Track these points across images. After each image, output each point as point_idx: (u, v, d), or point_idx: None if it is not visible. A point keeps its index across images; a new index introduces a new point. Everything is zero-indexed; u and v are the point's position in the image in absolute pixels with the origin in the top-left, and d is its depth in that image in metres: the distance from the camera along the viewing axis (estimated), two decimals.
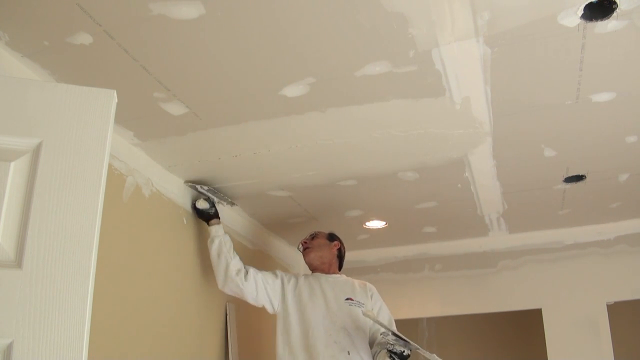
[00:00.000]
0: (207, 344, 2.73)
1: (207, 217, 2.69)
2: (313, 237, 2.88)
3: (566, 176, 2.73)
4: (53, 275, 1.14)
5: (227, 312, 2.89)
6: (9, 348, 1.08)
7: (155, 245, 2.41)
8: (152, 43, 1.64)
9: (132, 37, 1.61)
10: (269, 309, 2.66)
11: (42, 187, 1.18)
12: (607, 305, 3.47)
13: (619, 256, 3.51)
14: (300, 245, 2.90)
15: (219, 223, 2.67)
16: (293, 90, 1.92)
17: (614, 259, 3.52)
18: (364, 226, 3.45)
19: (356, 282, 2.79)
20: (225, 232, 2.67)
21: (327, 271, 2.78)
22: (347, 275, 2.83)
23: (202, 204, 2.66)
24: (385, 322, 2.62)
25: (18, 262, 1.13)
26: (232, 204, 2.90)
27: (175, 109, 2.01)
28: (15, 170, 1.19)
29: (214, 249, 2.60)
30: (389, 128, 2.21)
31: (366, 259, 4.06)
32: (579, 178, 2.76)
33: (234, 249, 2.64)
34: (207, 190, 2.69)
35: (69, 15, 1.51)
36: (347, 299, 2.63)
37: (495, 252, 3.78)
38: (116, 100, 1.30)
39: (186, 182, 2.63)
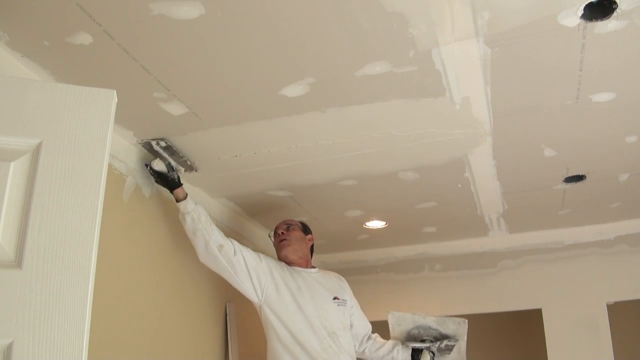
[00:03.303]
0: (207, 344, 2.73)
1: (168, 183, 2.26)
2: (288, 227, 2.64)
3: (566, 176, 2.73)
4: (53, 275, 1.14)
5: (227, 312, 2.89)
6: (9, 348, 1.08)
7: (155, 245, 2.41)
8: (152, 43, 1.64)
9: (132, 37, 1.61)
10: (253, 298, 2.38)
11: (42, 187, 1.18)
12: (607, 305, 3.47)
13: (619, 256, 3.51)
14: (274, 235, 2.66)
15: (184, 193, 2.28)
16: (293, 90, 1.92)
17: (614, 259, 3.52)
18: (364, 226, 3.45)
19: (332, 276, 2.66)
20: (196, 202, 2.31)
21: (305, 266, 2.59)
22: (323, 272, 2.68)
23: (159, 165, 2.22)
24: (363, 322, 2.62)
25: (18, 262, 1.13)
26: (192, 169, 2.43)
27: (175, 109, 2.01)
28: (15, 170, 1.19)
29: (187, 227, 2.29)
30: (389, 128, 2.21)
31: (366, 259, 4.06)
32: (579, 178, 2.76)
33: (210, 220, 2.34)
34: (164, 149, 2.23)
35: (69, 15, 1.51)
36: (334, 298, 2.49)
37: (495, 252, 3.78)
38: (116, 100, 1.30)
39: (139, 140, 2.20)
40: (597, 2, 1.51)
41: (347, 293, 2.59)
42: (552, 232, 3.63)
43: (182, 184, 2.29)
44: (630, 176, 2.75)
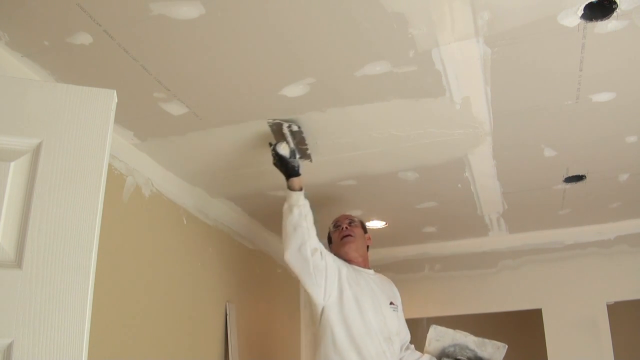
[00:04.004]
0: (207, 344, 2.73)
1: (287, 170, 2.15)
2: (350, 222, 2.49)
3: (566, 176, 2.73)
4: (53, 275, 1.14)
5: (227, 312, 2.89)
6: (9, 348, 1.08)
7: (155, 245, 2.41)
8: (152, 43, 1.64)
9: (132, 37, 1.61)
10: (318, 300, 2.23)
11: (42, 187, 1.18)
12: (607, 305, 3.47)
13: (619, 256, 3.51)
14: (335, 228, 2.50)
15: (300, 184, 2.16)
16: (293, 90, 1.92)
17: (614, 259, 3.52)
18: None
19: (385, 279, 2.55)
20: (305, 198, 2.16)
21: (364, 266, 2.45)
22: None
23: (284, 149, 2.10)
24: (406, 330, 2.51)
25: (18, 262, 1.13)
26: (309, 158, 2.34)
27: (175, 109, 2.01)
28: (15, 170, 1.18)
29: (290, 219, 2.13)
30: (389, 128, 2.21)
31: None
32: (579, 178, 2.76)
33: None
34: (292, 133, 2.11)
35: (69, 15, 1.51)
36: (390, 303, 2.38)
37: (495, 252, 3.78)
38: (116, 100, 1.30)
39: (269, 120, 2.09)
40: (597, 2, 1.51)
41: (398, 298, 2.50)
42: (552, 232, 3.63)
43: (300, 174, 2.18)
44: (630, 176, 2.75)
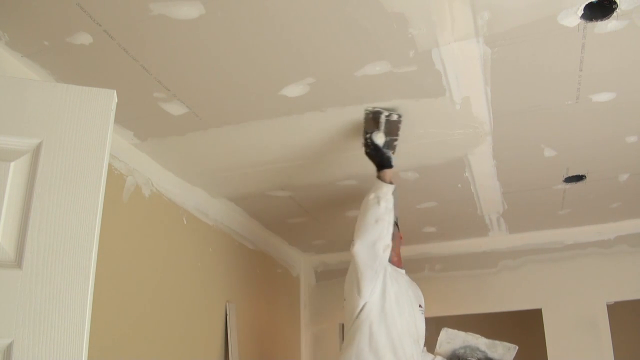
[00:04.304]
0: (207, 344, 2.73)
1: (381, 160, 2.08)
2: None
3: (566, 176, 2.73)
4: (53, 275, 1.14)
5: (227, 312, 2.89)
6: (9, 348, 1.08)
7: (155, 245, 2.41)
8: (152, 43, 1.64)
9: (132, 37, 1.61)
10: (365, 294, 2.11)
11: (42, 187, 1.18)
12: (607, 305, 3.47)
13: (619, 256, 3.51)
14: None
15: (391, 177, 2.08)
16: (293, 90, 1.92)
17: (614, 259, 3.52)
18: None
19: (412, 281, 2.47)
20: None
21: (399, 265, 2.36)
22: None
23: (380, 138, 2.03)
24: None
25: (18, 262, 1.13)
26: (394, 153, 2.20)
27: (175, 109, 2.01)
28: (15, 170, 1.18)
29: (375, 211, 2.04)
30: None
31: None
32: (579, 178, 2.76)
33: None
34: (388, 123, 2.04)
35: (69, 15, 1.51)
36: (420, 305, 2.31)
37: (495, 252, 3.78)
38: (116, 100, 1.30)
39: (368, 107, 2.04)
40: (597, 2, 1.51)
41: (422, 300, 2.41)
42: (552, 232, 3.63)
43: (393, 166, 2.11)
44: (630, 176, 2.75)
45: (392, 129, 2.10)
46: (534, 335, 4.01)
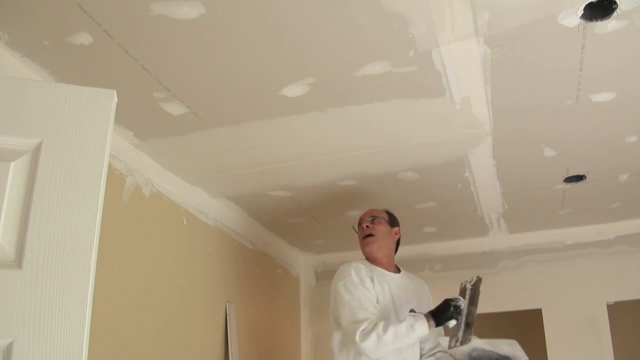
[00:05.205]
0: (207, 344, 2.73)
1: (447, 319, 2.08)
2: (374, 219, 2.34)
3: (566, 176, 2.73)
4: (53, 275, 1.13)
5: (227, 312, 2.89)
6: (9, 348, 1.08)
7: (155, 245, 2.41)
8: (152, 43, 1.64)
9: (132, 37, 1.61)
10: None
11: (42, 187, 1.18)
12: (607, 305, 3.47)
13: (619, 256, 3.51)
14: (358, 227, 2.36)
15: (433, 328, 2.10)
16: (293, 90, 1.92)
17: (614, 259, 3.52)
18: None
19: (414, 280, 2.43)
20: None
21: (388, 268, 2.32)
22: None
23: (463, 304, 2.13)
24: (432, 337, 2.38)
25: (18, 262, 1.13)
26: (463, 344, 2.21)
27: (175, 109, 2.01)
28: (15, 170, 1.18)
29: (404, 339, 2.03)
30: (389, 128, 2.21)
31: None
32: (579, 178, 2.76)
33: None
34: (471, 297, 2.15)
35: (69, 15, 1.51)
36: (411, 310, 2.21)
37: (495, 252, 3.78)
38: (116, 100, 1.30)
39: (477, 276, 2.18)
40: (597, 2, 1.51)
41: (424, 304, 2.33)
42: (552, 232, 3.63)
43: (441, 325, 2.11)
44: (630, 176, 2.75)
45: (468, 312, 2.14)
46: (534, 335, 4.01)
